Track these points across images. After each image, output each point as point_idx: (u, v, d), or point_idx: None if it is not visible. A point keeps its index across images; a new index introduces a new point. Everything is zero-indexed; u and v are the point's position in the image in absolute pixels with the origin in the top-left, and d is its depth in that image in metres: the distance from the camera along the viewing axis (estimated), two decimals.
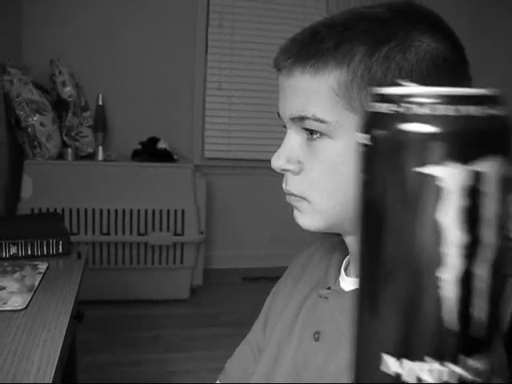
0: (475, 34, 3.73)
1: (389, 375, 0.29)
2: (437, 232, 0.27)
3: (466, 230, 0.27)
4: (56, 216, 2.20)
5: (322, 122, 0.65)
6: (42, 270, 1.36)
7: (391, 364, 0.29)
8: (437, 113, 0.27)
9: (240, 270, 3.99)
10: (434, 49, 0.64)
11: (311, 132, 0.67)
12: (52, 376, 0.89)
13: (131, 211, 3.23)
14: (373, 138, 0.29)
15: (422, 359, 0.28)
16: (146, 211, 3.26)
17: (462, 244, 0.27)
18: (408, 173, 0.27)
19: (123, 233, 3.23)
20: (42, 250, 1.48)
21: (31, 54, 3.50)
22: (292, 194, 0.71)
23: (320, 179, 0.68)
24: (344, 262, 0.79)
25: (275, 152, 0.73)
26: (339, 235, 0.77)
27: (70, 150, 3.25)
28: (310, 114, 0.66)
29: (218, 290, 3.63)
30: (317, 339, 0.75)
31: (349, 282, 0.75)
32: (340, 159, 0.66)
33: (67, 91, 3.29)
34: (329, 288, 0.77)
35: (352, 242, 0.74)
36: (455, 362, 0.28)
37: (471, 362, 0.28)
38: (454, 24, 0.71)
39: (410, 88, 0.28)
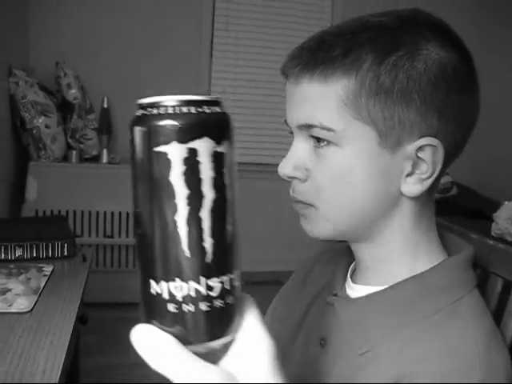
0: (483, 42, 3.73)
1: (153, 295, 0.41)
2: (171, 189, 0.39)
3: (188, 187, 0.39)
4: (61, 218, 2.20)
5: (329, 130, 0.65)
6: (47, 273, 1.36)
7: (154, 286, 0.40)
8: (165, 111, 0.39)
9: (242, 274, 3.97)
10: (442, 57, 0.64)
11: (318, 140, 0.67)
12: (57, 379, 0.89)
13: None
14: (134, 132, 0.40)
15: (173, 280, 0.40)
16: None
17: (186, 196, 0.39)
18: (151, 151, 0.39)
19: (127, 235, 3.23)
20: (47, 253, 1.48)
21: (37, 56, 3.50)
22: (299, 202, 0.71)
23: (327, 187, 0.68)
24: (350, 269, 0.79)
25: (281, 158, 0.72)
26: (345, 241, 0.77)
27: (74, 152, 3.26)
28: (318, 122, 0.66)
29: None
30: (323, 345, 0.75)
31: (355, 289, 0.75)
32: (348, 167, 0.66)
33: (72, 93, 3.29)
34: (335, 295, 0.77)
35: (358, 249, 0.74)
36: (197, 281, 0.40)
37: (207, 281, 0.40)
38: (462, 32, 0.71)
39: (153, 98, 0.40)
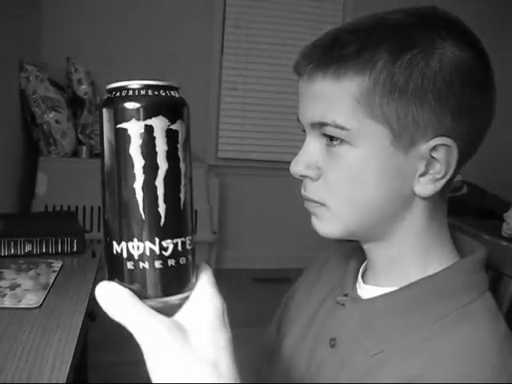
0: (500, 41, 3.70)
1: (114, 254, 0.47)
2: (130, 160, 0.45)
3: (144, 159, 0.45)
4: (71, 214, 2.21)
5: (342, 128, 0.65)
6: (57, 268, 1.36)
7: (115, 246, 0.46)
8: (127, 94, 0.45)
9: (251, 271, 3.98)
10: (457, 56, 0.63)
11: (331, 138, 0.67)
12: (66, 376, 0.89)
13: None
14: (102, 113, 0.46)
15: (131, 240, 0.46)
16: None
17: (143, 166, 0.45)
18: (115, 129, 0.45)
19: None
20: (56, 248, 1.48)
21: (48, 51, 3.52)
22: (311, 200, 0.71)
23: (340, 186, 0.67)
24: (361, 269, 0.79)
25: (291, 155, 0.72)
26: (357, 241, 0.76)
27: (84, 147, 3.27)
28: (331, 121, 0.65)
29: (229, 291, 3.60)
30: (332, 346, 0.74)
31: (366, 290, 0.75)
32: (361, 167, 0.66)
33: (83, 89, 3.30)
34: (346, 295, 0.76)
35: (370, 248, 0.73)
36: (152, 241, 0.46)
37: (161, 241, 0.46)
38: (477, 30, 0.70)
39: (118, 83, 0.46)
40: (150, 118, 0.45)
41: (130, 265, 0.46)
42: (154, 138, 0.45)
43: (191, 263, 0.49)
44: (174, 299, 0.48)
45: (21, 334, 1.02)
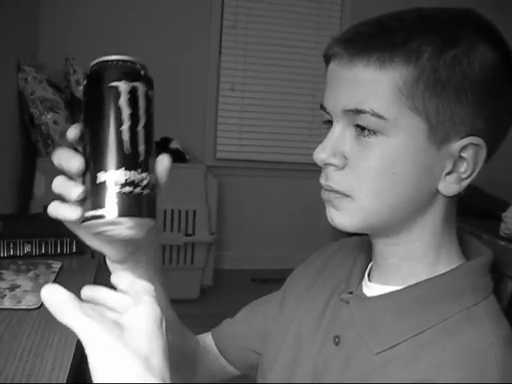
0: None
1: (100, 183, 0.56)
2: (119, 110, 0.57)
3: (130, 109, 0.57)
4: None
5: (380, 117, 0.63)
6: (56, 269, 1.36)
7: (100, 176, 0.56)
8: (117, 63, 0.58)
9: (250, 271, 3.99)
10: (495, 59, 0.64)
11: (363, 128, 0.65)
12: (66, 376, 0.89)
13: None
14: (93, 76, 0.59)
15: (119, 168, 0.56)
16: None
17: (129, 114, 0.57)
18: (106, 86, 0.57)
19: None
20: (55, 249, 1.48)
21: (46, 52, 3.51)
22: (333, 191, 0.69)
23: (370, 177, 0.66)
24: (368, 267, 0.79)
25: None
26: (366, 235, 0.76)
27: None
28: (369, 108, 0.64)
29: (228, 291, 3.63)
30: (337, 343, 0.74)
31: (372, 288, 0.74)
32: (394, 159, 0.65)
33: (81, 90, 3.29)
34: (351, 293, 0.76)
35: (380, 244, 0.73)
36: (134, 170, 0.57)
37: (136, 172, 0.57)
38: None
39: (111, 56, 0.58)
40: (136, 81, 0.58)
41: (116, 188, 0.56)
42: (138, 96, 0.58)
43: (154, 195, 0.60)
44: (143, 222, 0.58)
45: (20, 334, 1.02)
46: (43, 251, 1.48)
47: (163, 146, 3.46)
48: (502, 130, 0.68)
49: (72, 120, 3.24)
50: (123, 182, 0.56)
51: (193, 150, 3.74)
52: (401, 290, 0.70)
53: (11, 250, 1.45)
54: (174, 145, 3.48)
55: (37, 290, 1.21)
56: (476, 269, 0.70)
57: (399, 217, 0.68)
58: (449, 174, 0.66)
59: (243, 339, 0.95)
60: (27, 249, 1.46)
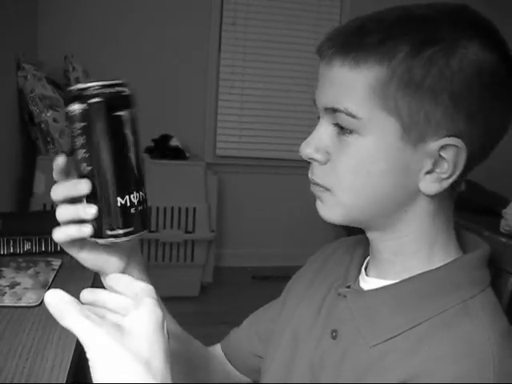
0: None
1: (120, 206, 0.63)
2: (126, 138, 0.63)
3: (133, 136, 0.63)
4: None
5: (353, 117, 0.65)
6: (56, 267, 1.36)
7: (120, 200, 0.63)
8: (117, 90, 0.62)
9: (250, 269, 3.99)
10: (480, 59, 0.62)
11: (341, 127, 0.67)
12: (66, 374, 0.89)
13: None
14: (94, 105, 0.61)
15: (132, 193, 0.64)
16: (157, 208, 3.27)
17: (133, 141, 0.63)
18: (111, 115, 0.62)
19: None
20: (55, 247, 1.48)
21: (46, 49, 3.51)
22: (316, 184, 0.71)
23: (346, 174, 0.67)
24: (365, 262, 0.79)
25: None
26: (363, 231, 0.76)
27: None
28: (343, 108, 0.65)
29: (228, 288, 3.63)
30: (334, 337, 0.74)
31: (369, 282, 0.75)
32: (368, 157, 0.66)
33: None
34: (348, 287, 0.76)
35: (374, 239, 0.73)
36: (142, 191, 0.65)
37: (142, 192, 0.65)
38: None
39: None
40: (133, 107, 0.63)
41: (132, 210, 0.64)
42: (135, 120, 0.63)
43: (147, 210, 0.67)
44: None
45: (21, 332, 1.02)
46: (43, 249, 1.48)
47: (163, 143, 3.47)
48: (493, 130, 0.67)
49: None
50: (137, 202, 0.64)
51: (193, 148, 3.74)
52: (396, 283, 0.70)
53: (11, 248, 1.45)
54: (173, 142, 3.48)
55: (37, 287, 1.21)
56: (473, 262, 0.70)
57: (380, 212, 0.69)
58: (429, 173, 0.66)
59: (248, 345, 0.96)
60: (27, 246, 1.46)
